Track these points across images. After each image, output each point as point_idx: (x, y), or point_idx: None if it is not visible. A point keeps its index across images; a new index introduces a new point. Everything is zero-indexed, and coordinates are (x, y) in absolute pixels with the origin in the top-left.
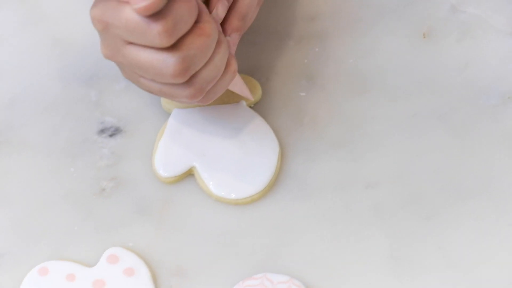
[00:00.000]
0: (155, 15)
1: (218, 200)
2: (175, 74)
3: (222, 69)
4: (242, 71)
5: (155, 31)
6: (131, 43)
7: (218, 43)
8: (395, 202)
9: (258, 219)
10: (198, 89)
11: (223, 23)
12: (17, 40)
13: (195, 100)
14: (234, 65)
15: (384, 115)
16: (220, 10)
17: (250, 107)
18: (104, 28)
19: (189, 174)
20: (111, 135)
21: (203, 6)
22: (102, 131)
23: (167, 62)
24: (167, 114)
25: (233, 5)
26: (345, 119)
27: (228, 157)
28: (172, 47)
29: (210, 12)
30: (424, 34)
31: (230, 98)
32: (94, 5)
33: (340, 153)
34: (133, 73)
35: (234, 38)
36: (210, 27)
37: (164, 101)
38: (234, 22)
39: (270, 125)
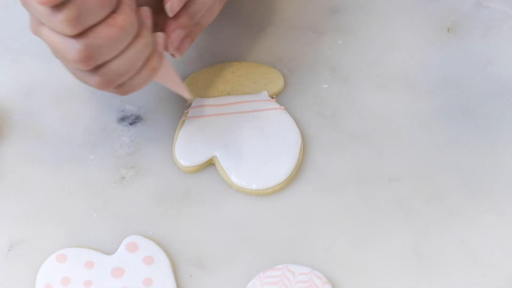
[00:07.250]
0: (60, 3)
1: (239, 191)
2: (77, 60)
3: (137, 63)
4: (265, 62)
5: (58, 19)
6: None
7: (136, 37)
8: (418, 196)
9: (279, 210)
10: (106, 80)
11: (170, 18)
12: None
13: (106, 90)
14: (154, 62)
15: (407, 110)
16: (175, 3)
17: (272, 98)
18: (24, 5)
19: (210, 163)
20: (131, 123)
21: None
22: (122, 119)
23: (71, 47)
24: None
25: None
26: (368, 112)
27: (250, 148)
28: (79, 33)
29: (165, 4)
30: (448, 29)
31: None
32: None
33: (362, 146)
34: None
35: (178, 35)
36: (124, 19)
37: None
38: (181, 18)
39: (292, 117)
